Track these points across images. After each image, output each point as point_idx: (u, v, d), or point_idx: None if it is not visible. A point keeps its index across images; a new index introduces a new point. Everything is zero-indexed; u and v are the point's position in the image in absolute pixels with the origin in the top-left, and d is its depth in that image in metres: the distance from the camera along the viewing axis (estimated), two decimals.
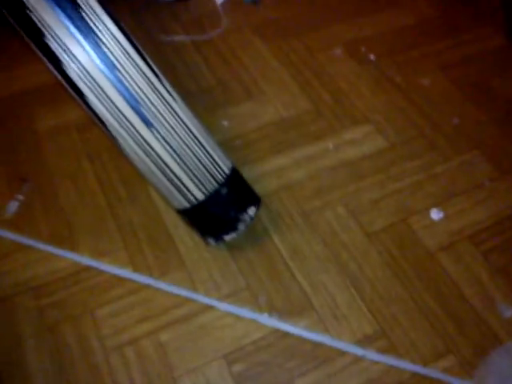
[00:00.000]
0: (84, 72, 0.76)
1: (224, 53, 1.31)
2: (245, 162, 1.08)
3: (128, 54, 0.79)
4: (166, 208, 1.01)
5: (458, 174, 1.08)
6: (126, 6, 1.40)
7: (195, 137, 0.86)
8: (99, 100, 0.78)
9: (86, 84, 0.77)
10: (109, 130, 0.82)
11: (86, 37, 0.75)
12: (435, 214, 1.01)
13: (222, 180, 0.88)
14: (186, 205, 0.88)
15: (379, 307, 0.90)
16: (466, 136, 1.14)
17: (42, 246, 0.96)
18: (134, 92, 0.79)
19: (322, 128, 1.15)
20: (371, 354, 0.85)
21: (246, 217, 0.90)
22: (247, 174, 0.98)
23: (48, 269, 0.93)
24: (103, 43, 0.77)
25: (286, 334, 0.87)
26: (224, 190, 0.88)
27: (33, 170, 1.07)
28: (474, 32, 1.37)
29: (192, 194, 0.86)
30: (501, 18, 1.37)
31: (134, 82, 0.79)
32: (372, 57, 1.30)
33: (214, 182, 0.87)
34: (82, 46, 0.75)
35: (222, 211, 0.89)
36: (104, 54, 0.77)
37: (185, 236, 0.98)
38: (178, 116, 0.84)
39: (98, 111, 0.80)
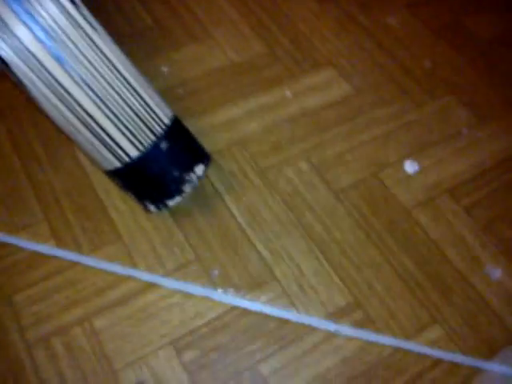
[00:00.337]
0: None
1: None
2: (189, 113, 0.92)
3: None
4: (94, 169, 0.86)
5: (432, 121, 0.96)
6: None
7: (124, 78, 0.70)
8: None
9: None
10: (13, 72, 0.65)
11: None
12: (409, 167, 0.89)
13: (161, 132, 0.73)
14: (117, 164, 0.72)
15: (351, 275, 0.78)
16: (439, 80, 1.03)
17: None
18: (37, 16, 0.62)
19: (279, 73, 1.01)
20: (345, 329, 0.73)
21: (192, 177, 0.75)
22: (192, 127, 0.83)
23: None
24: None
25: (245, 312, 0.74)
26: (164, 145, 0.73)
27: None
28: None
29: (123, 151, 0.71)
30: None
31: (38, 2, 0.62)
32: None
33: (150, 135, 0.72)
34: None
35: (163, 170, 0.74)
36: None
37: (119, 202, 0.83)
38: (101, 51, 0.68)
39: None
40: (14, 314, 0.72)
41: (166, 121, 0.74)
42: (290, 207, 0.84)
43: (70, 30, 0.65)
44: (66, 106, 0.67)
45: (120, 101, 0.69)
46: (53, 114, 0.69)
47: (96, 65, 0.67)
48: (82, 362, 0.69)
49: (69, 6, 0.66)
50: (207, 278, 0.76)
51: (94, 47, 0.67)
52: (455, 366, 0.72)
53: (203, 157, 0.78)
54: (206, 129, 0.92)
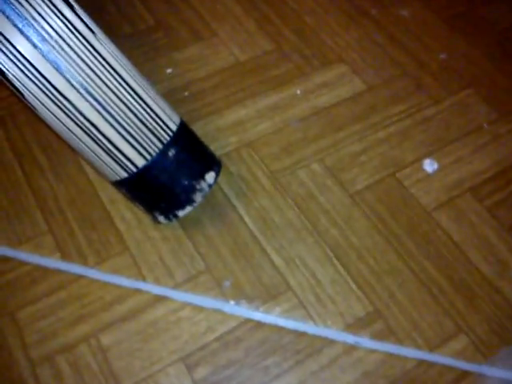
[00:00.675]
0: None
1: None
2: (195, 116, 0.89)
3: None
4: (98, 177, 0.82)
5: (450, 117, 0.92)
6: None
7: (126, 82, 0.66)
8: None
9: None
10: (9, 81, 0.62)
11: None
12: (429, 166, 0.85)
13: (168, 139, 0.69)
14: (124, 174, 0.69)
15: (370, 282, 0.74)
16: (456, 73, 0.98)
17: None
18: (31, 20, 0.58)
19: (287, 71, 0.97)
20: (365, 341, 0.69)
21: (203, 185, 0.72)
22: (199, 131, 0.80)
23: None
24: None
25: (259, 325, 0.70)
26: (172, 152, 0.69)
27: None
28: None
29: (129, 160, 0.67)
30: None
31: (29, 3, 0.58)
32: None
33: (157, 142, 0.68)
34: None
35: (172, 179, 0.70)
36: None
37: (125, 211, 0.79)
38: (100, 55, 0.64)
39: None
40: (18, 332, 0.69)
41: (173, 126, 0.70)
42: (303, 212, 0.80)
43: (66, 33, 0.61)
44: (66, 115, 0.63)
45: (123, 107, 0.65)
46: (54, 123, 0.66)
47: (95, 69, 0.63)
48: (88, 381, 0.66)
49: (64, 8, 0.62)
50: (218, 290, 0.73)
51: (93, 51, 0.63)
52: (483, 378, 0.68)
53: (214, 163, 0.75)
54: (213, 132, 0.88)
